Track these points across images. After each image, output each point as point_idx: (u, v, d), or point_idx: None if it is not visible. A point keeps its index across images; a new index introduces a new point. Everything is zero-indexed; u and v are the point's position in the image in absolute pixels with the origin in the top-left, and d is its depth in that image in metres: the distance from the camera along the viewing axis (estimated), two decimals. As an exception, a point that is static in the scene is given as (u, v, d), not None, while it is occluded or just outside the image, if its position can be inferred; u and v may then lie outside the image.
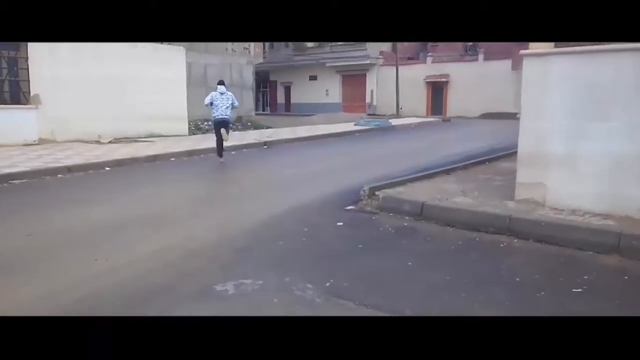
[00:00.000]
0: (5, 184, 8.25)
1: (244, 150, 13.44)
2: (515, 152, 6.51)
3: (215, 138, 11.25)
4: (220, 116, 10.97)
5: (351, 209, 6.53)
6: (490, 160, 9.99)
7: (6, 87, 13.04)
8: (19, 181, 8.47)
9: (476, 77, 29.68)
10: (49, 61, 12.88)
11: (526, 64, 6.04)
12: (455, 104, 31.12)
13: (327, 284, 3.97)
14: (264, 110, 38.74)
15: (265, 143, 14.39)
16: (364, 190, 6.89)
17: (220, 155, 11.21)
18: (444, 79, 31.61)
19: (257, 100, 33.39)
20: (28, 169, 9.07)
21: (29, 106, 13.00)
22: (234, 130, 17.69)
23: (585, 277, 4.18)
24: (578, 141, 5.68)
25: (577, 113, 5.68)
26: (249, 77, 24.80)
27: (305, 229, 5.59)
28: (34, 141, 12.85)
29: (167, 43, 14.76)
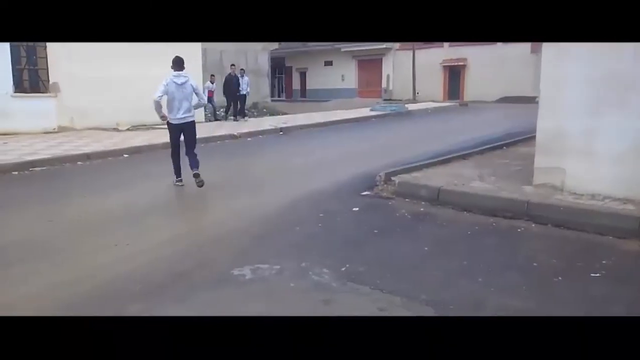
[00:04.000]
0: (26, 171, 8.40)
1: (260, 136, 13.46)
2: (533, 137, 6.42)
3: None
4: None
5: (367, 195, 6.53)
6: (507, 145, 9.88)
7: (25, 76, 13.21)
8: (39, 168, 8.62)
9: (494, 60, 29.19)
10: (67, 50, 12.97)
11: (545, 46, 5.93)
12: (472, 88, 30.69)
13: (343, 269, 3.99)
14: (279, 96, 38.65)
15: (281, 129, 14.40)
16: (379, 176, 6.88)
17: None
18: (461, 63, 31.16)
19: (272, 86, 33.32)
20: (49, 156, 9.22)
21: (48, 94, 13.16)
22: (250, 117, 17.72)
23: (604, 262, 4.14)
24: (597, 126, 5.58)
25: (597, 97, 5.57)
26: (265, 64, 24.77)
27: (321, 215, 5.61)
28: (54, 129, 13.03)
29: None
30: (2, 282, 3.85)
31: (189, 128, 7.16)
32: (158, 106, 6.91)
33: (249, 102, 20.31)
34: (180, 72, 7.04)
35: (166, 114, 7.03)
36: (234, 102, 16.61)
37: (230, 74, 16.44)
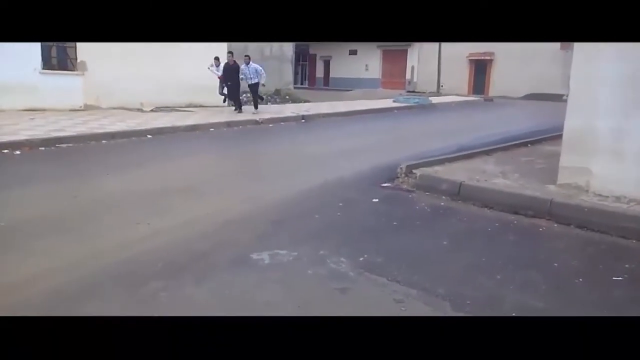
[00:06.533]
0: (52, 147, 8.56)
1: (282, 123, 13.49)
2: (559, 136, 6.32)
3: None
4: None
5: (387, 186, 6.50)
6: (532, 143, 9.72)
7: (54, 53, 13.39)
8: (65, 145, 8.78)
9: (522, 55, 28.66)
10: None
11: (577, 44, 5.80)
12: (498, 83, 30.26)
13: (361, 259, 4.00)
14: (302, 84, 38.60)
15: (303, 117, 14.39)
16: (400, 168, 6.84)
17: None
18: (488, 57, 30.70)
19: (295, 73, 33.24)
20: (74, 133, 9.37)
21: (75, 72, 13.35)
22: (272, 103, 17.67)
23: (626, 265, 4.07)
24: (626, 127, 5.45)
25: (627, 98, 5.44)
26: (289, 51, 24.73)
27: (341, 204, 5.61)
28: (80, 107, 13.22)
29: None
30: (26, 255, 3.95)
31: None
32: None
33: (270, 89, 18.98)
34: None
35: None
36: (233, 92, 14.81)
37: (227, 62, 14.61)
